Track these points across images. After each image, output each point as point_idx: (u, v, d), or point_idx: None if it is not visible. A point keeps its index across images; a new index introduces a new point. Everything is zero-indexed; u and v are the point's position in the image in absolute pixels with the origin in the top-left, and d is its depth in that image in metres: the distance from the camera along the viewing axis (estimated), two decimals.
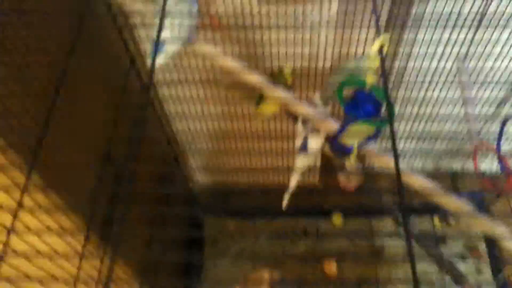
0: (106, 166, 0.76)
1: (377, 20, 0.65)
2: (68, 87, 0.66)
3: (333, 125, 0.74)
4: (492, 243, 1.62)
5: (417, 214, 1.63)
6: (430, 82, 1.07)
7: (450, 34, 0.92)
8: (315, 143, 0.87)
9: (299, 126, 0.86)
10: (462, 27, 0.87)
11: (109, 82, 0.87)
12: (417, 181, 0.73)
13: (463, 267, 1.57)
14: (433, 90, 1.05)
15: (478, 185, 1.11)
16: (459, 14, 0.83)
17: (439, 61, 1.02)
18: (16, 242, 0.57)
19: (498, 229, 0.73)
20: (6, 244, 0.54)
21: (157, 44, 0.67)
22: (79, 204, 0.78)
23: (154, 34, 0.68)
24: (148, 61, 0.75)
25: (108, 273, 0.58)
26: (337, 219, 1.68)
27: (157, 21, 0.65)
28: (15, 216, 0.55)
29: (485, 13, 0.86)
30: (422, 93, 1.12)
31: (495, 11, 0.87)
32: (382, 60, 0.61)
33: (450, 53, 0.99)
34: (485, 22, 0.89)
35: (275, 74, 0.88)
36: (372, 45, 0.62)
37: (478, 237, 1.64)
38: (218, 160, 1.51)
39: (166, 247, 1.37)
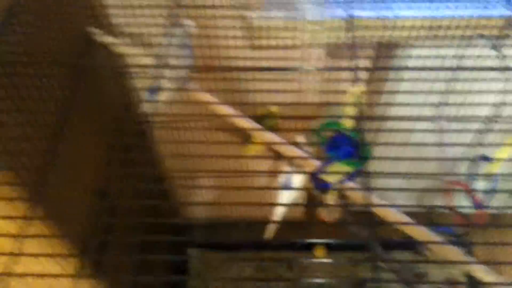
0: (101, 200, 0.81)
1: (356, 73, 0.72)
2: (69, 130, 0.72)
3: (314, 164, 0.80)
4: (472, 278, 1.67)
5: (399, 249, 1.69)
6: (409, 128, 1.13)
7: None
8: (298, 180, 0.93)
9: (284, 164, 0.92)
10: (438, 80, 0.94)
11: (106, 125, 0.93)
12: (393, 216, 0.79)
13: None
14: (412, 134, 1.12)
15: (452, 221, 1.17)
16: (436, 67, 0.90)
17: (418, 108, 1.09)
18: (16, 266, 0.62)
19: (471, 265, 0.78)
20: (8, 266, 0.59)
21: (152, 91, 0.74)
22: (75, 233, 0.83)
23: (150, 82, 0.75)
24: (143, 107, 0.82)
25: None
26: (320, 252, 1.73)
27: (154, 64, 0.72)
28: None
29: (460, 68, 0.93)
30: (401, 136, 1.19)
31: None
32: (359, 107, 0.68)
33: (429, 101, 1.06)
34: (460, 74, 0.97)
35: (263, 117, 0.94)
36: (348, 95, 0.70)
37: (458, 271, 1.69)
38: (206, 196, 1.56)
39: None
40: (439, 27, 1.04)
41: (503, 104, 1.03)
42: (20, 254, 0.60)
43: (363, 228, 1.39)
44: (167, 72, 0.79)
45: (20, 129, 0.65)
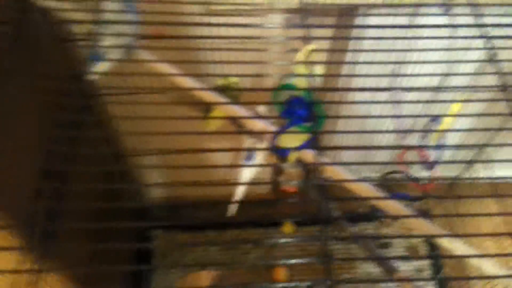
0: (45, 181, 0.74)
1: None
2: (7, 105, 0.64)
3: (272, 131, 0.76)
4: (432, 244, 1.71)
5: (364, 220, 1.70)
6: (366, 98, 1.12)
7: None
8: (261, 154, 0.89)
9: (245, 136, 0.88)
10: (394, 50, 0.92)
11: (48, 95, 0.86)
12: (353, 185, 0.77)
13: (406, 267, 1.65)
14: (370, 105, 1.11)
15: (407, 188, 1.18)
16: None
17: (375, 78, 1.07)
18: None
19: (433, 229, 0.77)
20: None
21: (97, 53, 0.67)
22: (19, 220, 0.76)
23: (93, 43, 0.68)
24: (89, 72, 0.75)
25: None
26: (288, 228, 1.70)
27: (96, 30, 0.65)
28: None
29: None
30: (361, 108, 1.18)
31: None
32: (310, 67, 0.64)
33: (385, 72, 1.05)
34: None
35: (222, 86, 0.89)
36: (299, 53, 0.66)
37: (419, 239, 1.72)
38: (167, 175, 1.50)
39: (113, 262, 1.34)
40: None
41: (451, 73, 1.03)
42: None
43: (326, 201, 1.37)
44: (110, 40, 0.72)
45: None
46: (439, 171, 1.56)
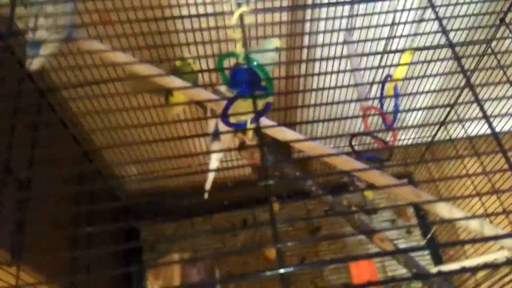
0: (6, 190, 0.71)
1: None
2: None
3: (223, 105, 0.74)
4: (418, 207, 1.72)
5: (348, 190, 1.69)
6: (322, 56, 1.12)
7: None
8: (226, 130, 0.87)
9: (209, 115, 0.86)
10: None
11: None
12: (316, 149, 0.75)
13: (395, 230, 1.66)
14: (327, 62, 1.10)
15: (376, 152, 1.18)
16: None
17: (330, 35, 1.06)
18: None
19: (417, 194, 0.76)
20: None
21: (34, 46, 0.65)
22: None
23: (30, 36, 0.66)
24: (28, 64, 0.72)
25: None
26: (274, 206, 1.70)
27: (32, 23, 0.62)
28: None
29: None
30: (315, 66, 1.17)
31: None
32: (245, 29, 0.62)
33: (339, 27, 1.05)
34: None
35: (178, 69, 0.87)
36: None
37: (406, 203, 1.73)
38: (144, 168, 1.48)
39: (100, 264, 1.32)
40: None
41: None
42: None
43: (312, 177, 1.36)
44: (50, 31, 0.69)
45: None
46: (412, 133, 1.56)
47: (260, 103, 0.66)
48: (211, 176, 0.91)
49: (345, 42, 1.06)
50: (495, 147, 0.55)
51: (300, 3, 1.11)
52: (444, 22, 0.64)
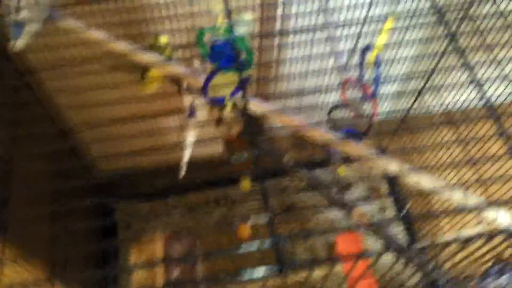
0: None
1: None
2: None
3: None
4: (392, 182, 1.77)
5: (321, 166, 1.74)
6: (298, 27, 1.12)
7: None
8: (201, 107, 0.90)
9: (184, 91, 0.88)
10: None
11: None
12: (293, 121, 0.78)
13: (368, 208, 1.71)
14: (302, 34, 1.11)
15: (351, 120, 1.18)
16: None
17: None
18: None
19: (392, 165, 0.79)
20: None
21: (18, 26, 0.65)
22: None
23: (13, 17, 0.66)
24: (12, 45, 0.73)
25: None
26: (246, 184, 1.73)
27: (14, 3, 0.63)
28: None
29: None
30: (292, 38, 1.18)
31: None
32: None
33: None
34: None
35: (153, 45, 0.88)
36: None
37: (379, 179, 1.78)
38: (118, 146, 1.48)
39: (76, 241, 1.34)
40: None
41: None
42: None
43: (284, 153, 1.40)
44: (30, 10, 0.70)
45: None
46: (389, 105, 1.55)
47: (235, 77, 0.68)
48: (187, 153, 0.94)
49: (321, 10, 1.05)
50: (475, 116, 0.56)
51: None
52: None
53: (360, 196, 1.76)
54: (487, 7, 1.10)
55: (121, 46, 0.82)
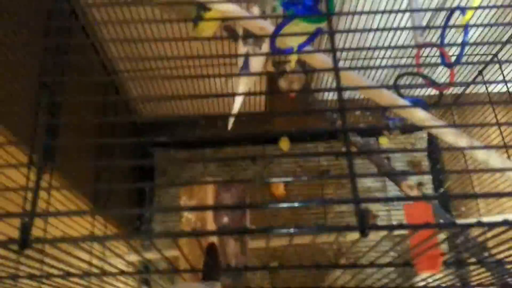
0: (43, 94, 0.73)
1: None
2: None
3: (271, 29, 0.71)
4: (435, 158, 1.72)
5: (363, 135, 1.70)
6: None
7: None
8: (256, 60, 0.86)
9: (240, 43, 0.84)
10: None
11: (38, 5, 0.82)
12: (358, 82, 0.74)
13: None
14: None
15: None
16: None
17: None
18: None
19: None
20: None
21: None
22: (22, 135, 0.76)
23: None
24: None
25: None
26: (284, 144, 1.71)
27: None
28: None
29: None
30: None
31: None
32: None
33: None
34: None
35: None
36: None
37: (422, 153, 1.73)
38: (161, 90, 1.47)
39: (116, 178, 1.37)
40: None
41: None
42: None
43: (328, 118, 1.35)
44: None
45: None
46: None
47: (310, 27, 0.63)
48: (237, 105, 0.91)
49: None
50: None
51: None
52: None
53: (399, 169, 1.71)
54: None
55: None
